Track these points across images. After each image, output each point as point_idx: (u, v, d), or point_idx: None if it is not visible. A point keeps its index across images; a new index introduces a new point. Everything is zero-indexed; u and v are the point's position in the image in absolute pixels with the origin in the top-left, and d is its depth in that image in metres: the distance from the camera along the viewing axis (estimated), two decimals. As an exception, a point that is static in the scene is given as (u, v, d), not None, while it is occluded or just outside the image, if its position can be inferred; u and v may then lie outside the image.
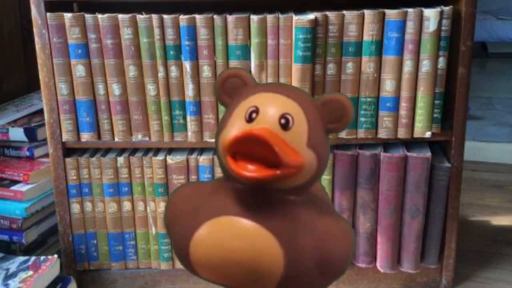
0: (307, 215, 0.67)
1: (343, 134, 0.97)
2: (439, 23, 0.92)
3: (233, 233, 0.64)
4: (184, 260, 0.69)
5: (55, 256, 0.95)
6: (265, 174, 0.60)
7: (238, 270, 0.65)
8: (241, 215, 0.64)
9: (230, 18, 0.92)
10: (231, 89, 0.68)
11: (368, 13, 0.91)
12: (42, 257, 0.94)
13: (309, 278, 0.66)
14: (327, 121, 0.66)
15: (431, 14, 0.91)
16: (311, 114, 0.64)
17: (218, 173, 0.99)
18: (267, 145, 0.59)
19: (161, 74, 0.95)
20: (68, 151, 1.01)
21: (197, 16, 0.92)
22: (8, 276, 0.90)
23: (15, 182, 1.06)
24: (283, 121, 0.62)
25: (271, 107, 0.63)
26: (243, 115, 0.63)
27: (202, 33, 0.93)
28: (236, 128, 0.63)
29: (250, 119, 0.62)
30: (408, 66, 0.93)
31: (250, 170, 0.60)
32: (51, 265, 0.93)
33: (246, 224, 0.64)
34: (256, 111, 0.62)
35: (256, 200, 0.65)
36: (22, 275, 0.90)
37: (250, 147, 0.60)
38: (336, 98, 0.66)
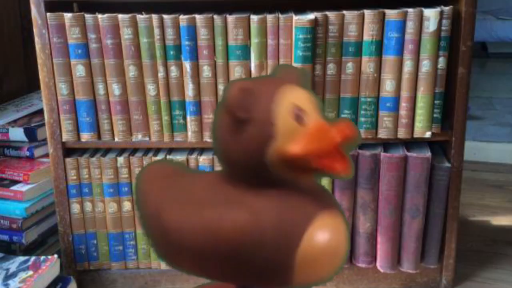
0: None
1: (343, 134, 0.97)
2: (439, 23, 0.92)
3: (341, 227, 0.64)
4: (283, 270, 0.64)
5: (55, 256, 0.95)
6: (350, 161, 0.61)
7: (339, 265, 0.65)
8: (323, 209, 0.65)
9: (230, 18, 0.92)
10: (246, 103, 0.63)
11: (368, 13, 0.91)
12: (42, 257, 0.94)
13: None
14: None
15: (431, 14, 0.91)
16: None
17: (218, 173, 0.99)
18: (356, 137, 0.60)
19: (161, 74, 0.95)
20: (68, 151, 1.01)
21: (197, 16, 0.92)
22: (8, 276, 0.90)
23: (15, 182, 1.06)
24: (318, 107, 0.63)
25: (306, 102, 0.63)
26: (289, 119, 0.61)
27: (202, 33, 0.93)
28: (293, 134, 0.61)
29: (300, 120, 0.61)
30: (408, 66, 0.93)
31: (345, 163, 0.60)
32: (51, 265, 0.93)
33: (340, 215, 0.65)
34: (300, 109, 0.61)
35: (309, 192, 0.65)
36: (22, 275, 0.90)
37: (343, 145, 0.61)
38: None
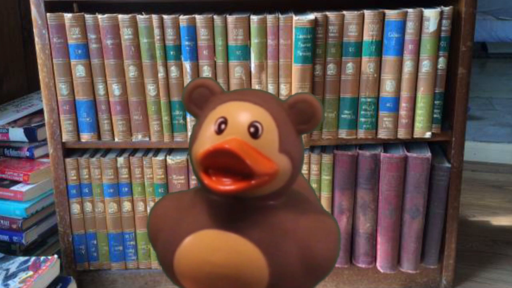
0: (288, 218, 0.66)
1: (343, 135, 0.97)
2: (439, 23, 0.92)
3: (215, 247, 0.64)
4: (169, 273, 0.69)
5: (55, 256, 0.95)
6: (240, 186, 0.60)
7: (223, 283, 0.65)
8: (221, 228, 0.64)
9: (230, 18, 0.92)
10: (199, 99, 0.67)
11: (368, 13, 0.91)
12: (42, 258, 0.94)
13: (295, 281, 0.66)
14: (297, 123, 0.65)
15: (431, 14, 0.91)
16: (280, 118, 0.63)
17: (218, 173, 0.99)
18: (238, 157, 0.58)
19: (161, 74, 0.95)
20: (68, 151, 1.01)
21: (197, 16, 0.92)
22: (8, 277, 0.90)
23: (15, 182, 1.06)
24: (252, 129, 0.61)
25: (239, 117, 0.62)
26: (212, 126, 0.62)
27: (202, 33, 0.93)
28: (206, 141, 0.62)
29: (219, 131, 0.62)
30: (408, 66, 0.93)
31: (224, 184, 0.60)
32: (51, 265, 0.93)
33: (227, 236, 0.64)
34: (225, 121, 0.62)
35: (234, 210, 0.64)
36: (22, 275, 0.90)
37: (222, 160, 0.59)
38: (303, 99, 0.65)
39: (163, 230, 0.68)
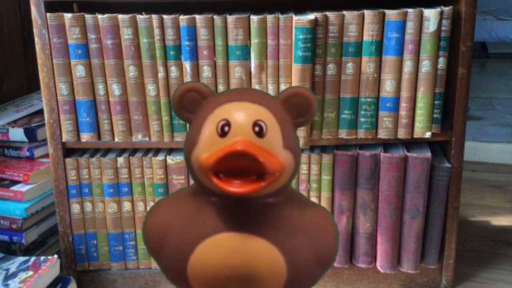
0: (293, 213, 0.66)
1: (343, 135, 0.97)
2: (439, 23, 0.92)
3: (233, 249, 0.63)
4: (179, 281, 0.68)
5: (55, 256, 0.95)
6: (255, 187, 0.59)
7: (241, 285, 0.64)
8: (236, 230, 0.64)
9: (230, 18, 0.92)
10: (190, 103, 0.65)
11: (368, 13, 0.91)
12: (42, 258, 0.94)
13: (310, 275, 0.66)
14: (293, 117, 0.65)
15: (431, 14, 0.91)
16: (279, 114, 0.63)
17: (218, 173, 0.99)
18: (252, 157, 0.58)
19: (161, 74, 0.95)
20: (68, 151, 1.01)
21: (197, 16, 0.92)
22: (8, 277, 0.90)
23: (15, 182, 1.06)
24: (257, 128, 0.61)
25: (241, 117, 0.61)
26: (214, 130, 0.61)
27: (202, 33, 0.93)
28: (210, 144, 0.61)
29: (223, 133, 0.61)
30: (408, 66, 0.93)
31: (236, 186, 0.59)
32: (51, 265, 0.93)
33: (243, 238, 0.63)
34: (228, 123, 0.61)
35: (243, 211, 0.64)
36: (22, 275, 0.90)
37: (234, 163, 0.59)
38: (297, 92, 0.64)
39: (170, 238, 0.67)
